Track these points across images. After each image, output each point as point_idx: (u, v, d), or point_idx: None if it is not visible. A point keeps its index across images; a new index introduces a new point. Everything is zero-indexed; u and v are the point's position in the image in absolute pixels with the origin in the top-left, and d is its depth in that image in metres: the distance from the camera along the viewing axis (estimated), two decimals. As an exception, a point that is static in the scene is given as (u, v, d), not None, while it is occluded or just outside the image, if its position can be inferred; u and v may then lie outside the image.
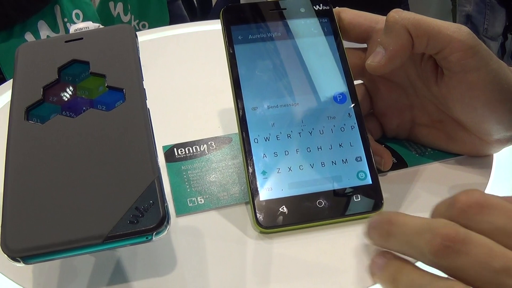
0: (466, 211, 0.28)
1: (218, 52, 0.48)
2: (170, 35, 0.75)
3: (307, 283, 0.36)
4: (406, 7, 1.53)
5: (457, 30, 0.39)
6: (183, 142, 0.49)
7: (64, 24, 1.33)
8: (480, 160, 0.46)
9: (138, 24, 2.01)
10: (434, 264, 0.28)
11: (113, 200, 0.31)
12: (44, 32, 1.31)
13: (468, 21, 1.50)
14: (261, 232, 0.39)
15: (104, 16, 1.87)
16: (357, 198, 0.40)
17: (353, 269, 0.36)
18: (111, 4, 2.06)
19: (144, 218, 0.30)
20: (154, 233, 0.29)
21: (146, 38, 0.71)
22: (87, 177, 0.32)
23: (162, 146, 0.48)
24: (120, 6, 2.08)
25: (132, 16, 2.06)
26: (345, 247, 0.38)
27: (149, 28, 1.99)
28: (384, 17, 0.43)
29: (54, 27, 1.33)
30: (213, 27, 0.75)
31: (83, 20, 1.40)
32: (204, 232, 0.40)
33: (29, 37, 1.30)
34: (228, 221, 0.41)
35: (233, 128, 0.49)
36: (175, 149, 0.48)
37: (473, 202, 0.28)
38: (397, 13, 0.41)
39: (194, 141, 0.49)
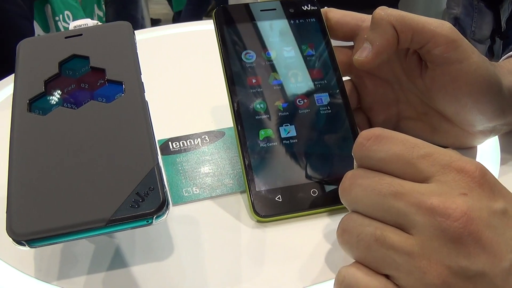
0: (365, 144, 0.32)
1: (209, 51, 0.50)
2: (164, 34, 0.77)
3: (302, 268, 0.37)
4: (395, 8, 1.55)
5: (440, 25, 0.41)
6: (177, 136, 0.50)
7: (55, 22, 1.36)
8: (464, 152, 0.48)
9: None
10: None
11: (114, 186, 0.32)
12: (37, 30, 1.33)
13: (456, 23, 1.52)
14: (258, 221, 0.41)
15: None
16: None
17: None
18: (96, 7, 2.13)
19: (145, 202, 0.31)
20: (154, 217, 0.31)
21: (141, 37, 0.73)
22: (89, 164, 0.33)
23: (157, 140, 0.49)
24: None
25: None
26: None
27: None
28: (370, 16, 0.45)
29: (45, 27, 1.35)
30: (205, 27, 0.77)
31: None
32: (199, 220, 0.42)
33: None
34: (223, 209, 0.42)
35: (225, 123, 0.51)
36: (170, 142, 0.49)
37: (371, 135, 0.31)
38: (382, 10, 0.43)
39: (188, 135, 0.50)
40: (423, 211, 0.28)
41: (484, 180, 0.28)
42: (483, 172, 0.29)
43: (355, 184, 0.31)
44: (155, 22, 3.20)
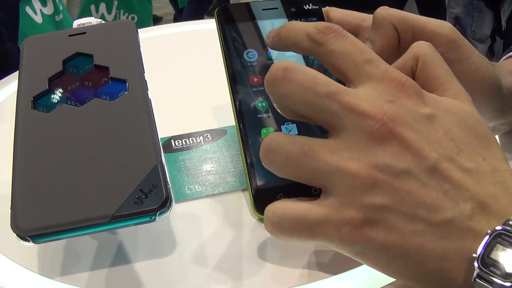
0: (324, 32, 0.32)
1: (211, 50, 0.50)
2: (165, 33, 0.77)
3: (302, 265, 0.38)
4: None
5: (440, 25, 0.42)
6: (179, 134, 0.51)
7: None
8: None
9: (127, 17, 2.22)
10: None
11: (118, 183, 0.32)
12: (37, 5, 1.38)
13: (457, 23, 1.52)
14: (259, 219, 0.41)
15: None
16: None
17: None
18: (93, 7, 2.17)
19: (148, 199, 0.31)
20: (157, 213, 0.31)
21: (143, 36, 0.73)
22: (92, 161, 0.33)
23: (160, 138, 0.50)
24: (103, 6, 2.20)
25: (121, 11, 2.20)
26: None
27: (138, 21, 2.24)
28: (371, 16, 0.45)
29: (43, 2, 1.41)
30: (207, 26, 0.77)
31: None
32: (201, 217, 0.42)
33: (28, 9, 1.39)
34: (225, 207, 0.43)
35: (227, 121, 0.51)
36: (172, 140, 0.50)
37: (332, 28, 0.32)
38: (384, 10, 0.43)
39: (190, 133, 0.51)
40: (354, 114, 0.29)
41: (413, 90, 0.30)
42: (413, 84, 0.31)
43: (288, 78, 0.30)
44: (157, 21, 3.21)
